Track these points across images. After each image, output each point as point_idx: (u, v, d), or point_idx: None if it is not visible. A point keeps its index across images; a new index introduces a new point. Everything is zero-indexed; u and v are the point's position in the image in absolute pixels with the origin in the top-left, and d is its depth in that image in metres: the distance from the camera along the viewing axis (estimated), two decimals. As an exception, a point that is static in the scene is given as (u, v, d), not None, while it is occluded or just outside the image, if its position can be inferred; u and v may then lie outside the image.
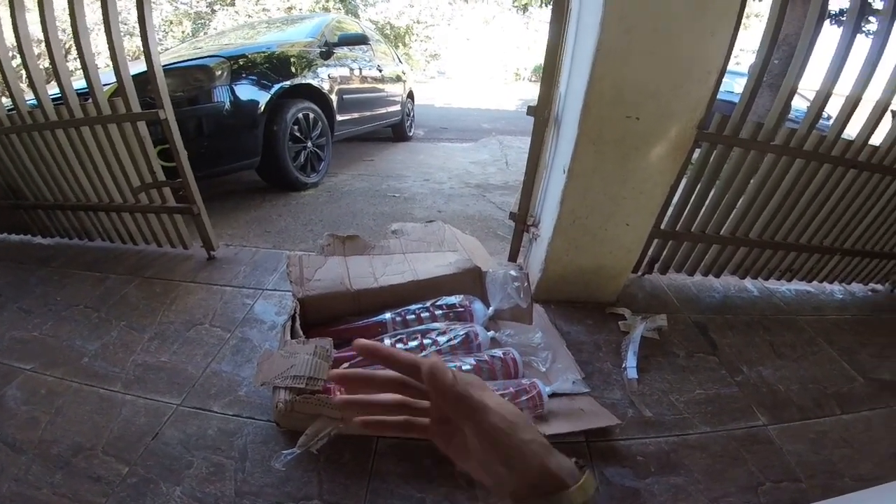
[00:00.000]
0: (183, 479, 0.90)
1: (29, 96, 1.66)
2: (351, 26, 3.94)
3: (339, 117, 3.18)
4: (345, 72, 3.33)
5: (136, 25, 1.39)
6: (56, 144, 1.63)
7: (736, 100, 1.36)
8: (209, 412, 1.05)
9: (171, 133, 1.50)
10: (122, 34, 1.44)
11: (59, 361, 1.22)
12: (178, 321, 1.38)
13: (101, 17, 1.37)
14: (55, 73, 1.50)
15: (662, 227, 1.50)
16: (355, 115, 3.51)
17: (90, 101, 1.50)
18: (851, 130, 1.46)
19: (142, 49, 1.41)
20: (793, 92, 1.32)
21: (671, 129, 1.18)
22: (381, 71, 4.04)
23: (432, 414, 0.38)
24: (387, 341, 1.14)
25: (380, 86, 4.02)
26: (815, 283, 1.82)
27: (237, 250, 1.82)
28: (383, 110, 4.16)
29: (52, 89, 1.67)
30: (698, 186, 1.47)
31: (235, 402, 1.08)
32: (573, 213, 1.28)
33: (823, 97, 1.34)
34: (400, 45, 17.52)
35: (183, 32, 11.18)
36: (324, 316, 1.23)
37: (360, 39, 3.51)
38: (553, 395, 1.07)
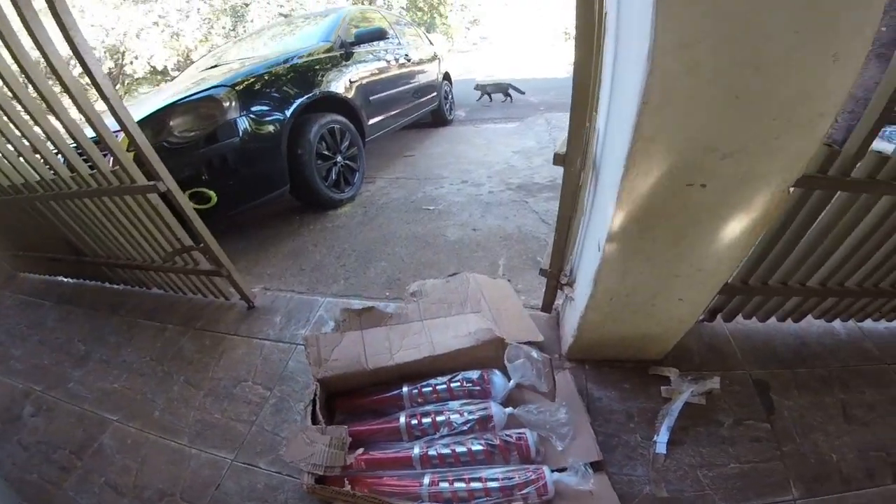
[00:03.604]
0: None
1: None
2: (371, 15, 3.65)
3: (368, 121, 3.01)
4: (368, 71, 3.06)
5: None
6: (88, 210, 1.63)
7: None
8: (257, 468, 1.21)
9: (180, 203, 1.42)
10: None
11: (137, 413, 1.43)
12: (227, 378, 1.51)
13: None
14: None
15: (730, 281, 1.27)
16: (386, 115, 3.32)
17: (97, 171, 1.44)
18: None
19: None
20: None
21: (755, 195, 0.85)
22: (409, 59, 3.77)
23: None
24: (402, 419, 1.17)
25: (410, 77, 3.76)
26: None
27: (274, 297, 1.87)
28: (417, 101, 3.92)
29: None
30: (784, 237, 1.17)
31: (277, 461, 1.21)
32: (610, 292, 1.09)
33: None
34: (436, 16, 16.51)
35: (224, 27, 11.43)
36: (344, 389, 1.28)
37: (379, 34, 3.19)
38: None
